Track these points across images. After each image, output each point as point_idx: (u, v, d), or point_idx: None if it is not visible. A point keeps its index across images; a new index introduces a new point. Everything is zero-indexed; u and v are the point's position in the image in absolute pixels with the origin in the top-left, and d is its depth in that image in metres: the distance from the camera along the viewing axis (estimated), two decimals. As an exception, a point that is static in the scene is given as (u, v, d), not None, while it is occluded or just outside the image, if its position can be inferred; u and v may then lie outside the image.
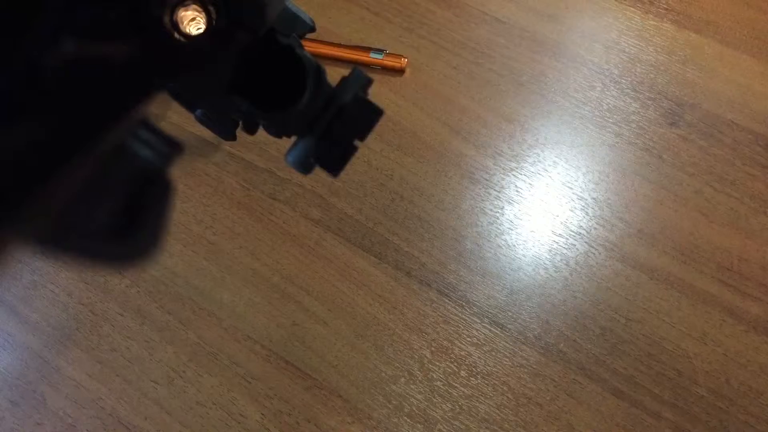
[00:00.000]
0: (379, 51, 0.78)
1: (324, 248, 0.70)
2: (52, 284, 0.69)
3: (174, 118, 0.77)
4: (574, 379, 0.63)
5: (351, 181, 0.72)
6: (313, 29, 0.30)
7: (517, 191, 0.71)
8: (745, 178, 0.71)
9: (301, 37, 0.29)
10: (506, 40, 0.80)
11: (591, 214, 0.70)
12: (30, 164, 0.16)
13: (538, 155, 0.73)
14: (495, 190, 0.71)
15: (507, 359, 0.64)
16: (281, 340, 0.66)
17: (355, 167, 0.73)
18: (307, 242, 0.70)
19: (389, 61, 0.78)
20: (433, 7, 0.83)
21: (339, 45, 0.79)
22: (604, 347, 0.64)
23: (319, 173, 0.30)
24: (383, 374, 0.64)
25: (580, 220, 0.70)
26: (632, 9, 0.81)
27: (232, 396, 0.64)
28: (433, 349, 0.65)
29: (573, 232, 0.69)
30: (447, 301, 0.67)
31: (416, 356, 0.65)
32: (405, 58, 0.78)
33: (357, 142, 0.30)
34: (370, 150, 0.74)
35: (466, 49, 0.80)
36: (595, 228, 0.69)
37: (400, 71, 0.78)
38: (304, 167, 0.31)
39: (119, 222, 0.21)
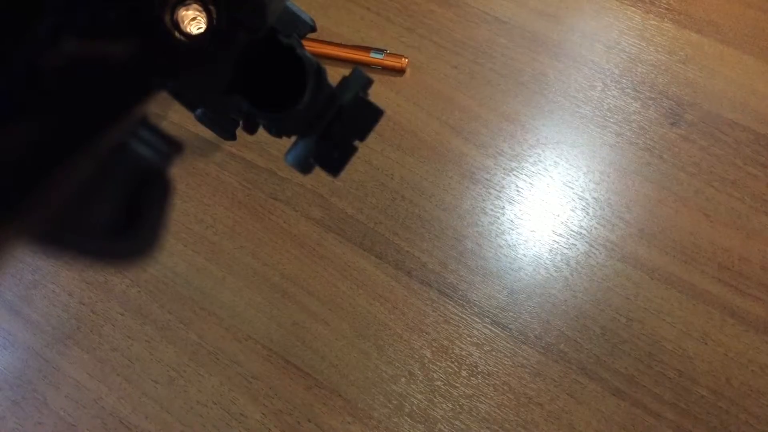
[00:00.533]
0: (380, 51, 0.78)
1: (325, 248, 0.70)
2: (53, 284, 0.69)
3: (174, 117, 0.77)
4: (574, 379, 0.63)
5: (352, 181, 0.72)
6: (313, 29, 0.30)
7: (517, 191, 0.71)
8: (747, 177, 0.71)
9: (302, 37, 0.29)
10: (507, 39, 0.80)
11: (592, 214, 0.70)
12: (30, 164, 0.16)
13: (539, 155, 0.73)
14: (496, 189, 0.71)
15: (508, 359, 0.64)
16: (282, 340, 0.66)
17: (355, 167, 0.73)
18: (307, 242, 0.70)
19: (390, 61, 0.78)
20: (433, 7, 0.83)
21: (339, 45, 0.79)
22: (605, 347, 0.64)
23: (320, 173, 0.30)
24: (384, 374, 0.64)
25: (580, 220, 0.70)
26: (633, 9, 0.81)
27: (233, 396, 0.64)
28: (433, 348, 0.65)
29: (574, 231, 0.69)
30: (447, 300, 0.67)
31: (417, 356, 0.65)
32: (405, 58, 0.78)
33: (357, 143, 0.30)
34: (370, 150, 0.74)
35: (466, 49, 0.80)
36: (595, 228, 0.69)
37: (400, 71, 0.78)
38: (304, 167, 0.31)
39: (120, 221, 0.21)
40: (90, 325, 0.67)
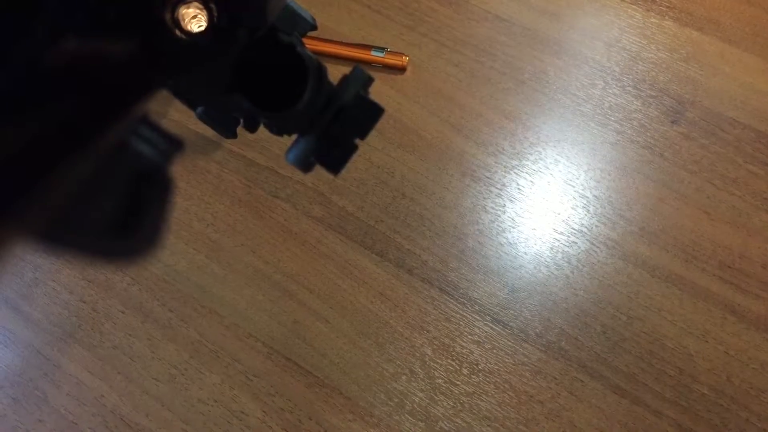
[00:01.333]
0: (381, 49, 0.78)
1: (325, 246, 0.70)
2: (54, 282, 0.69)
3: (175, 115, 0.77)
4: (575, 377, 0.63)
5: (352, 179, 0.72)
6: (314, 27, 0.30)
7: (518, 189, 0.71)
8: (747, 175, 0.71)
9: (303, 35, 0.29)
10: (508, 38, 0.80)
11: (592, 212, 0.70)
12: (31, 163, 0.16)
13: (540, 153, 0.73)
14: (496, 187, 0.71)
15: (508, 357, 0.64)
16: (282, 338, 0.66)
17: (356, 165, 0.73)
18: (308, 240, 0.70)
19: (390, 59, 0.78)
20: (434, 5, 0.83)
21: (340, 43, 0.79)
22: (606, 345, 0.64)
23: (320, 171, 0.30)
24: (385, 372, 0.64)
25: (581, 218, 0.70)
26: (634, 7, 0.81)
27: (234, 393, 0.64)
28: (434, 346, 0.65)
29: (574, 229, 0.69)
30: (448, 298, 0.67)
31: (418, 354, 0.65)
32: (406, 56, 0.78)
33: (357, 141, 0.30)
34: (371, 148, 0.74)
35: (467, 47, 0.80)
36: (596, 226, 0.69)
37: (401, 69, 0.78)
38: (305, 166, 0.31)
39: (121, 220, 0.21)
40: (91, 323, 0.67)
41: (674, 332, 0.64)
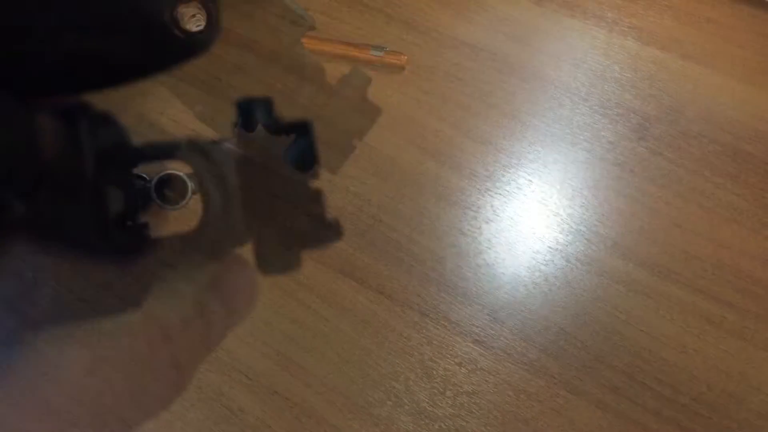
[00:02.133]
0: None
1: (305, 276, 0.70)
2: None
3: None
4: (558, 394, 0.63)
5: (329, 207, 0.72)
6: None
7: (493, 211, 0.72)
8: (715, 187, 0.72)
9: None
10: (475, 63, 0.81)
11: (567, 230, 0.71)
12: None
13: (513, 174, 0.74)
14: (472, 210, 0.72)
15: (491, 377, 0.64)
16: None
17: (333, 194, 0.73)
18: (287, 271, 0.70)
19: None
20: (402, 35, 0.84)
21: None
22: (586, 360, 0.65)
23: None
24: (369, 398, 0.64)
25: (556, 236, 0.70)
26: (596, 28, 0.83)
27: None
28: (417, 371, 0.65)
29: (550, 248, 0.70)
30: (429, 322, 0.67)
31: (401, 379, 0.65)
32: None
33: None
34: (347, 177, 0.74)
35: (437, 74, 0.81)
36: (571, 243, 0.70)
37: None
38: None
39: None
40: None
41: (653, 345, 0.65)
